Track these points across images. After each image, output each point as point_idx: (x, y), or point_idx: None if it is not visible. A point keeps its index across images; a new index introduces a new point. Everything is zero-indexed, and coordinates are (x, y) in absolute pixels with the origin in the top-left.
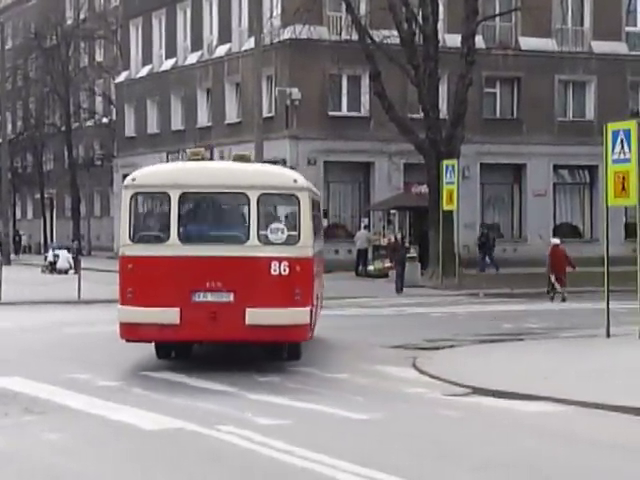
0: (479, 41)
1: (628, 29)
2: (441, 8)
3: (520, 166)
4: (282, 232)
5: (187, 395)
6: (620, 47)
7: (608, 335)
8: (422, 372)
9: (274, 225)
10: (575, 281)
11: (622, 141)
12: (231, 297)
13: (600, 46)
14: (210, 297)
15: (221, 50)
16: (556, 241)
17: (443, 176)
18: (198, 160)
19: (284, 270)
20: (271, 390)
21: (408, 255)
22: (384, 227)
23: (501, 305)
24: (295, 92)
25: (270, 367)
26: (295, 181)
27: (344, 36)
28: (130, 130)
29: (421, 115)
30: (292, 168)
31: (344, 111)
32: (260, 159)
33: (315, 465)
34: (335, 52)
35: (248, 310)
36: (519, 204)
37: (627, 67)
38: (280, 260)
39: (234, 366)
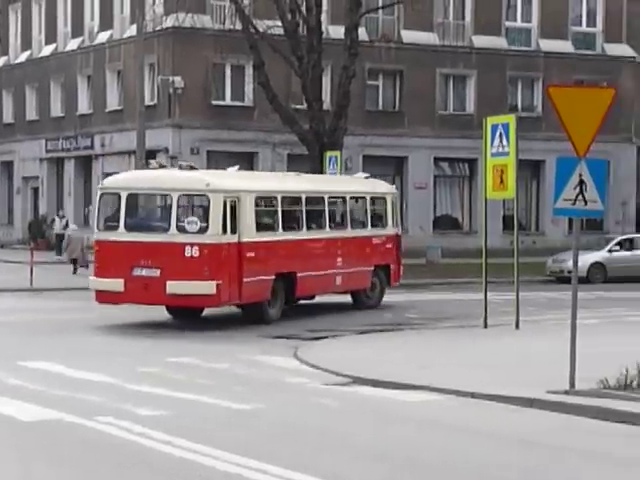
0: (362, 33)
1: (508, 24)
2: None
3: (402, 159)
4: (195, 224)
5: (66, 386)
6: (500, 42)
7: (486, 325)
8: (303, 362)
9: (189, 218)
10: (454, 272)
11: (501, 135)
12: (158, 272)
13: (480, 40)
14: (144, 272)
15: (102, 37)
16: None
17: (326, 167)
18: (155, 169)
19: (195, 253)
20: (152, 381)
21: None
22: None
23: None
24: (178, 80)
25: (151, 359)
26: (207, 185)
27: (227, 25)
28: (8, 116)
29: (305, 106)
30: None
31: (228, 100)
32: (142, 148)
33: (194, 455)
34: (218, 41)
35: (168, 282)
36: (400, 196)
37: (507, 62)
38: (192, 245)
39: (114, 357)
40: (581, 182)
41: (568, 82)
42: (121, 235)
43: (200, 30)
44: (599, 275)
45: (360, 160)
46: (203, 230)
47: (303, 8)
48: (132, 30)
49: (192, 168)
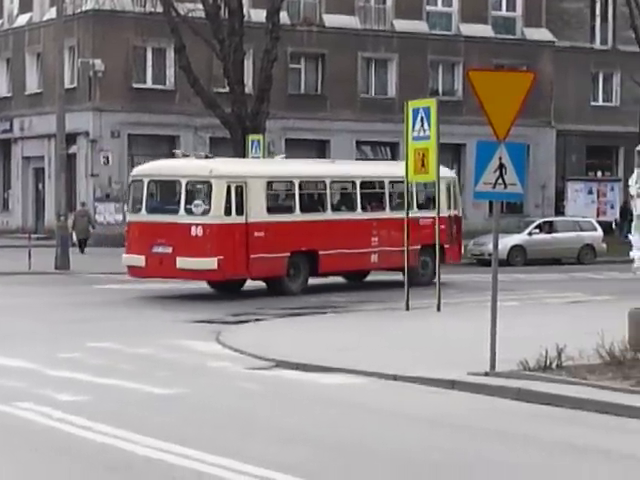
0: (284, 17)
1: (429, 8)
2: None
3: (324, 142)
4: (200, 206)
5: None
6: (421, 26)
7: (408, 308)
8: (226, 346)
9: (195, 202)
10: None
11: (422, 119)
12: (170, 250)
13: (402, 24)
14: (160, 249)
15: (22, 20)
16: None
17: (249, 151)
18: (179, 158)
19: (199, 232)
20: (72, 366)
21: None
22: None
23: None
24: (98, 63)
25: (70, 344)
26: (210, 171)
27: (148, 8)
28: None
29: (227, 90)
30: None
31: (149, 84)
32: (62, 131)
33: (115, 440)
34: (139, 24)
35: (178, 258)
36: None
37: (428, 46)
38: (197, 225)
39: (34, 343)
40: (501, 166)
41: (488, 66)
42: (143, 217)
43: (120, 13)
44: (519, 258)
45: (283, 144)
46: (206, 212)
47: None
48: (52, 13)
49: (207, 157)
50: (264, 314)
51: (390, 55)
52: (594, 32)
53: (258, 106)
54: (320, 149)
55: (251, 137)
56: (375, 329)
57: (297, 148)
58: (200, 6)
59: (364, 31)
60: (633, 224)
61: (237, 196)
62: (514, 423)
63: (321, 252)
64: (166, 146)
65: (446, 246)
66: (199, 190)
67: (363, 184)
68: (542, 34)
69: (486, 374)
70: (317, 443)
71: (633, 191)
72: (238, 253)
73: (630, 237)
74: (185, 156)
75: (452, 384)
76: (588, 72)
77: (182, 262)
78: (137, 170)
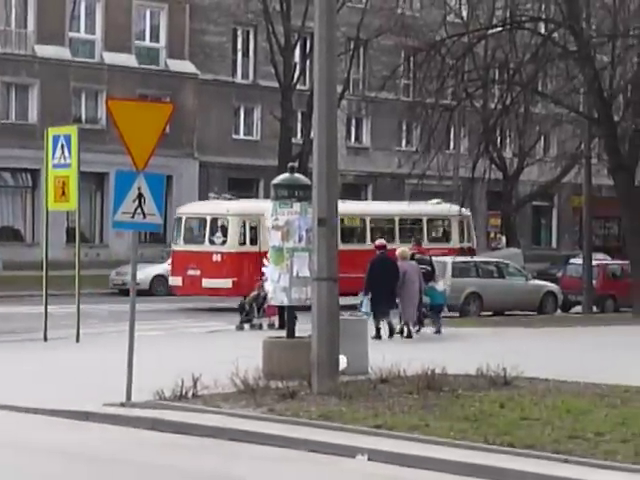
0: None
1: (72, 34)
2: None
3: None
4: (219, 238)
5: None
6: (64, 52)
7: (46, 339)
8: None
9: (216, 234)
10: (16, 285)
11: (63, 146)
12: (198, 272)
13: (44, 50)
14: (191, 272)
15: None
16: None
17: None
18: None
19: (219, 258)
20: None
21: None
22: None
23: None
24: None
25: None
26: (227, 210)
27: None
28: None
29: None
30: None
31: None
32: None
33: None
34: None
35: (203, 279)
36: None
37: (70, 72)
38: (217, 253)
39: None
40: (140, 195)
41: (132, 96)
42: (181, 246)
43: None
44: (161, 287)
45: None
46: (224, 243)
47: None
48: None
49: (229, 199)
50: None
51: (31, 80)
52: (236, 66)
53: None
54: None
55: None
56: (12, 360)
57: None
58: None
59: (4, 55)
60: (268, 255)
61: (251, 230)
62: (148, 453)
63: None
64: None
65: None
66: (219, 225)
67: (372, 222)
68: (185, 66)
69: (122, 405)
70: None
71: (269, 223)
72: (249, 275)
73: (264, 269)
74: (216, 199)
75: (87, 416)
76: (230, 105)
77: (206, 282)
78: (179, 210)
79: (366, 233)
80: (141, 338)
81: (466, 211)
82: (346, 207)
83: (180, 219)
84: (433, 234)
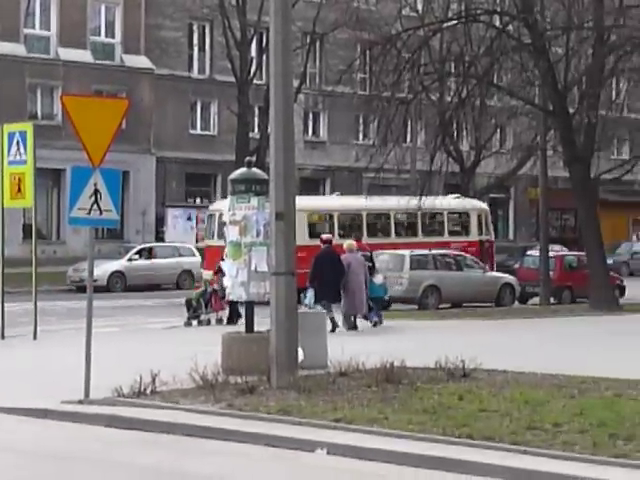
0: None
1: (27, 31)
2: None
3: None
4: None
5: None
6: (19, 48)
7: (3, 337)
8: None
9: None
10: None
11: (18, 143)
12: None
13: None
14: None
15: None
16: None
17: None
18: None
19: None
20: None
21: None
22: None
23: None
24: None
25: None
26: None
27: None
28: None
29: None
30: None
31: None
32: None
33: None
34: None
35: None
36: None
37: (26, 69)
38: None
39: None
40: (96, 191)
41: (88, 92)
42: (214, 241)
43: None
44: (119, 283)
45: None
46: None
47: None
48: None
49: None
50: None
51: None
52: (192, 61)
53: None
54: None
55: None
56: None
57: None
58: None
59: None
60: (226, 250)
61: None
62: (105, 450)
63: None
64: None
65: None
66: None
67: (397, 215)
68: (141, 61)
69: (80, 402)
70: None
71: (226, 218)
72: None
73: (222, 264)
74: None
75: (45, 413)
76: (187, 100)
77: None
78: (212, 206)
79: (390, 228)
80: (99, 335)
81: (484, 205)
82: (374, 203)
83: (213, 215)
84: (453, 227)
